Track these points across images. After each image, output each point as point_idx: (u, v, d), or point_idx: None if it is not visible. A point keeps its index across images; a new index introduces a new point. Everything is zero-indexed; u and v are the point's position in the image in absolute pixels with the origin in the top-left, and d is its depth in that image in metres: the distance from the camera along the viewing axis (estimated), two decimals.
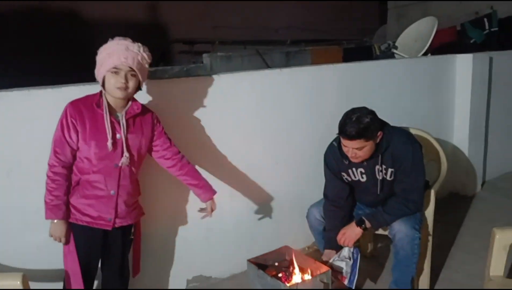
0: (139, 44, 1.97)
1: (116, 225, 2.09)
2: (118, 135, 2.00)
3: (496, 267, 2.07)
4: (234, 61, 7.42)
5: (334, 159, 2.42)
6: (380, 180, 2.39)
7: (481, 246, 3.05)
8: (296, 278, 2.22)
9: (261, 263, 2.33)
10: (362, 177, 2.41)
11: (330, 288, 2.17)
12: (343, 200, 2.50)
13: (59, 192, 1.97)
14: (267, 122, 2.92)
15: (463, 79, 3.93)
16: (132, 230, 2.22)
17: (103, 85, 1.96)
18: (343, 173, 2.45)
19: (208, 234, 2.80)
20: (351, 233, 2.36)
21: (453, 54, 3.96)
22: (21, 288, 1.79)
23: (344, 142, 2.24)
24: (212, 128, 2.70)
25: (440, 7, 7.45)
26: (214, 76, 2.68)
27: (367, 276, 2.87)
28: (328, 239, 2.52)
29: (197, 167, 2.64)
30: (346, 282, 2.39)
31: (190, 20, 9.30)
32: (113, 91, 1.94)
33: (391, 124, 3.09)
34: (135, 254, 2.31)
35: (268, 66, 6.39)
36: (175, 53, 9.92)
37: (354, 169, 2.40)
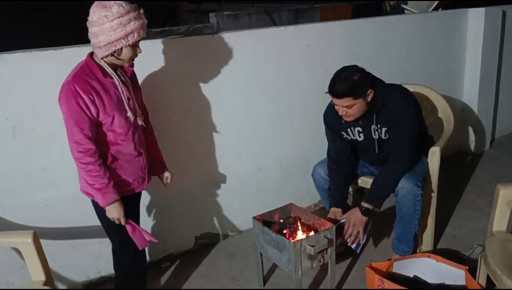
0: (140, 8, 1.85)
1: (148, 182, 2.13)
2: (128, 97, 1.94)
3: (499, 223, 2.08)
4: (241, 19, 7.29)
5: (333, 118, 2.42)
6: (376, 139, 2.39)
7: (486, 203, 3.08)
8: (301, 234, 2.26)
9: (266, 220, 2.37)
10: (360, 136, 2.42)
11: (334, 244, 2.20)
12: (345, 158, 2.51)
13: (107, 173, 1.88)
14: (272, 81, 2.90)
15: (475, 34, 3.82)
16: None
17: (112, 54, 1.81)
18: (343, 132, 2.45)
19: (214, 191, 2.84)
20: (358, 222, 2.36)
21: (465, 8, 3.84)
22: (32, 245, 1.85)
23: (334, 100, 2.25)
24: (216, 87, 2.68)
25: None
26: (219, 35, 2.64)
27: (372, 233, 2.91)
28: (333, 198, 2.54)
29: (202, 128, 2.67)
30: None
31: None
32: (126, 62, 1.87)
33: (400, 81, 3.06)
34: None
35: (275, 24, 6.27)
36: (182, 13, 9.76)
37: (352, 128, 2.41)
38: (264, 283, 2.47)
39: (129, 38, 1.76)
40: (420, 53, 3.62)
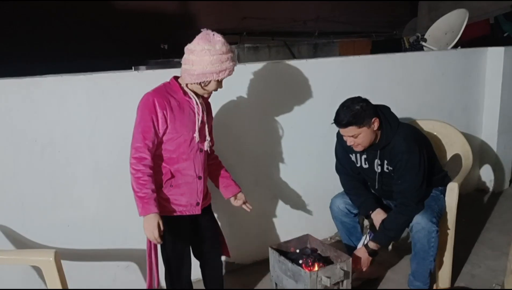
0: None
1: (202, 208, 2.14)
2: (202, 120, 2.04)
3: None
4: (262, 52, 7.46)
5: (343, 139, 2.44)
6: (378, 173, 2.43)
7: (505, 242, 3.04)
8: (317, 265, 2.25)
9: (282, 250, 2.38)
10: (365, 164, 2.47)
11: (350, 276, 2.19)
12: (356, 173, 2.57)
13: (153, 185, 1.93)
14: (292, 112, 2.95)
15: (494, 72, 3.85)
16: None
17: (200, 83, 1.95)
18: (351, 155, 2.52)
19: (231, 220, 2.86)
20: (364, 260, 2.42)
21: (484, 47, 3.88)
22: (53, 264, 1.87)
23: (340, 131, 2.32)
24: (236, 116, 2.74)
25: (473, 0, 7.28)
26: (241, 65, 2.71)
27: (388, 266, 2.89)
28: (367, 205, 2.53)
29: (221, 156, 2.71)
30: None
31: (219, 11, 9.34)
32: (208, 93, 2.01)
33: (418, 117, 3.08)
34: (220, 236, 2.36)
35: (294, 57, 6.39)
36: None
37: (358, 154, 2.47)
38: None
39: (220, 74, 1.91)
40: (439, 89, 3.65)
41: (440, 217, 2.41)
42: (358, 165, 2.51)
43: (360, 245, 2.46)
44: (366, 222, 2.85)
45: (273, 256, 2.31)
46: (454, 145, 2.96)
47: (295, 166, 3.04)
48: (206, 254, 2.29)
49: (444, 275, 2.58)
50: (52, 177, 2.31)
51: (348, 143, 2.32)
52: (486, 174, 4.11)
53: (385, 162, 2.38)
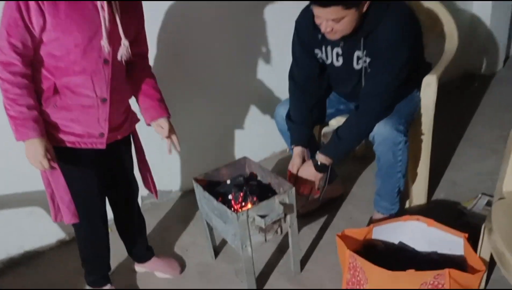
0: None
1: (111, 141, 1.61)
2: (109, 18, 1.43)
3: None
4: None
5: (307, 28, 1.80)
6: (357, 70, 1.80)
7: (495, 137, 2.57)
8: (250, 199, 1.75)
9: (213, 181, 1.88)
10: (338, 60, 1.83)
11: (294, 209, 1.71)
12: (313, 82, 1.94)
13: (30, 99, 1.41)
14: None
15: None
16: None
17: None
18: (317, 51, 1.87)
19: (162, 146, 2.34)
20: (311, 180, 1.86)
21: None
22: None
23: (317, 11, 1.61)
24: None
25: None
26: None
27: (355, 179, 2.44)
28: (298, 134, 1.97)
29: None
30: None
31: None
32: None
33: None
34: (145, 169, 1.83)
35: None
36: None
37: (329, 47, 1.81)
38: (216, 255, 2.03)
39: None
40: None
41: (411, 121, 1.88)
42: (328, 62, 1.87)
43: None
44: (323, 130, 2.31)
45: (198, 190, 1.81)
46: (435, 24, 2.32)
47: (235, 74, 2.47)
48: (119, 197, 1.81)
49: (419, 190, 2.12)
50: None
51: (323, 30, 1.65)
52: (477, 54, 3.52)
53: (365, 53, 1.76)
